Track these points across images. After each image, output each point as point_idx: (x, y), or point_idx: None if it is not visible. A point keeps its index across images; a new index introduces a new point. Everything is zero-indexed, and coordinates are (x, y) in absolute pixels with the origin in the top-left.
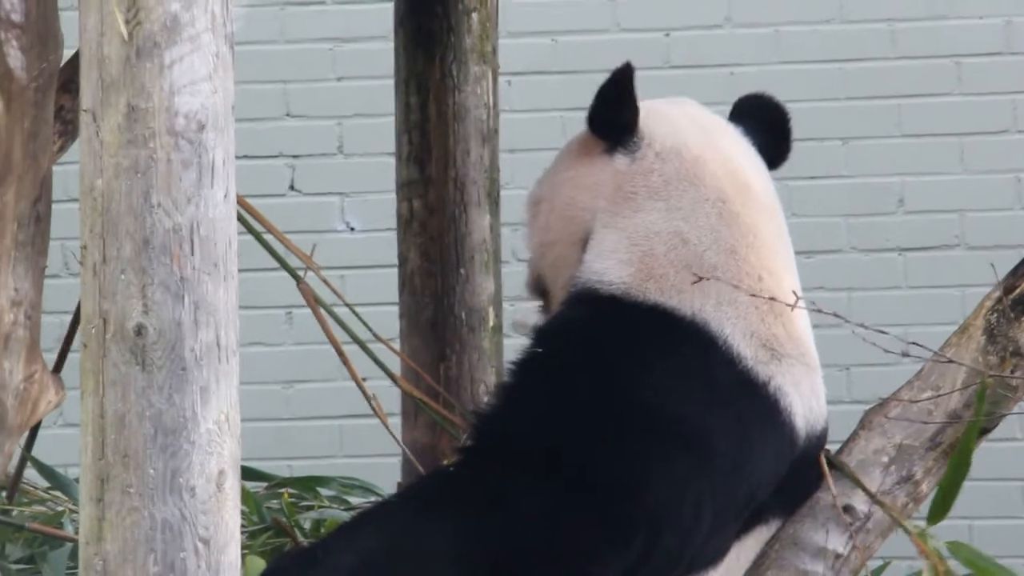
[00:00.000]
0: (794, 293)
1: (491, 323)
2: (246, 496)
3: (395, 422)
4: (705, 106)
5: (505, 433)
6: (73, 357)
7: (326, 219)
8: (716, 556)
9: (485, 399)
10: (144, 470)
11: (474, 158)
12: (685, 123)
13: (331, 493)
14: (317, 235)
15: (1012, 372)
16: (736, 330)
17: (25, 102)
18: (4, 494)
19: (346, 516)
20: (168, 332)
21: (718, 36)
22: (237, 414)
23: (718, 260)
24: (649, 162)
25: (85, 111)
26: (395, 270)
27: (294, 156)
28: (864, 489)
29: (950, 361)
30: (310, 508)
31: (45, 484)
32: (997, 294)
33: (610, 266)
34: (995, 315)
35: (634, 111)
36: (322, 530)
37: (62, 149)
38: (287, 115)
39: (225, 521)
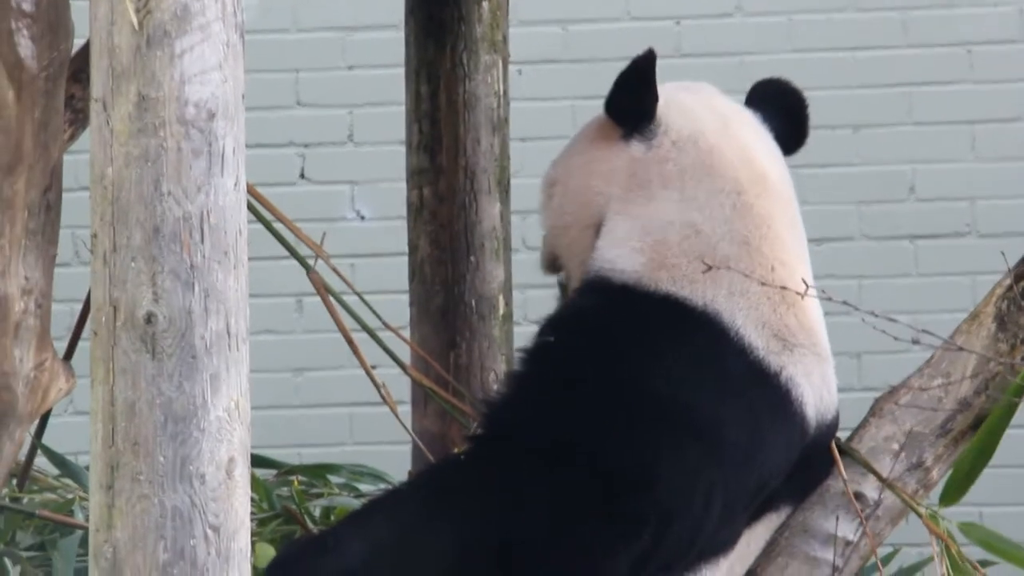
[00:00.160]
0: (804, 282)
1: (501, 311)
2: (256, 484)
3: (405, 410)
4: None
5: (515, 422)
6: (83, 345)
7: (336, 207)
8: (726, 544)
9: (495, 388)
10: (154, 458)
11: (484, 147)
12: (703, 112)
13: (341, 481)
14: (327, 223)
15: (1023, 359)
16: (748, 320)
17: (36, 91)
18: (15, 482)
19: (356, 504)
20: (178, 320)
21: (729, 24)
22: (247, 402)
23: (731, 251)
24: (665, 150)
25: (95, 100)
26: (405, 258)
27: (304, 145)
28: (875, 473)
29: (960, 349)
30: (320, 496)
31: (55, 472)
32: (1008, 281)
33: (622, 254)
34: (1006, 302)
35: (653, 98)
36: (332, 518)
37: (72, 138)
38: (297, 104)
39: (235, 508)
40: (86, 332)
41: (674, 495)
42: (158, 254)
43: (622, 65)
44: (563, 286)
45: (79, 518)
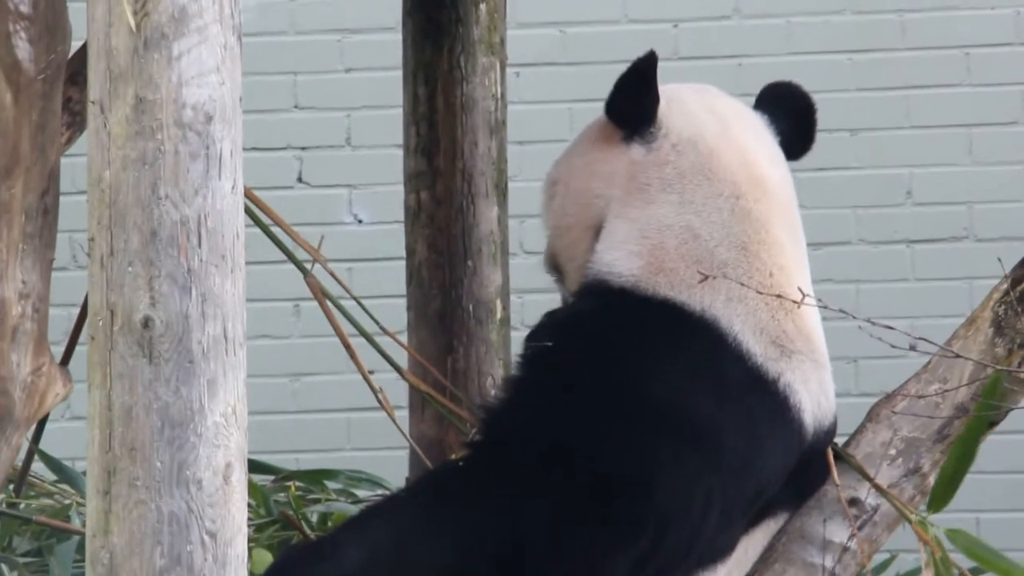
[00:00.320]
0: (800, 290)
1: (499, 315)
2: (253, 489)
3: (402, 415)
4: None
5: (513, 427)
6: (81, 350)
7: (334, 211)
8: (724, 551)
9: (493, 392)
10: (151, 463)
11: (482, 150)
12: (704, 115)
13: (338, 486)
14: (325, 227)
15: (1020, 365)
16: (746, 327)
17: (33, 94)
18: (11, 487)
19: (353, 509)
20: (175, 324)
21: (727, 27)
22: (244, 407)
23: (729, 256)
24: (664, 154)
25: (93, 103)
26: (403, 262)
27: (302, 148)
28: (868, 478)
29: (957, 355)
30: (317, 501)
31: (52, 477)
32: (1005, 286)
33: (620, 257)
34: (1003, 307)
35: (654, 101)
36: (329, 523)
37: (70, 141)
38: (295, 107)
39: (232, 514)
40: (83, 337)
41: (672, 500)
42: (155, 258)
43: (620, 67)
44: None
45: (76, 524)
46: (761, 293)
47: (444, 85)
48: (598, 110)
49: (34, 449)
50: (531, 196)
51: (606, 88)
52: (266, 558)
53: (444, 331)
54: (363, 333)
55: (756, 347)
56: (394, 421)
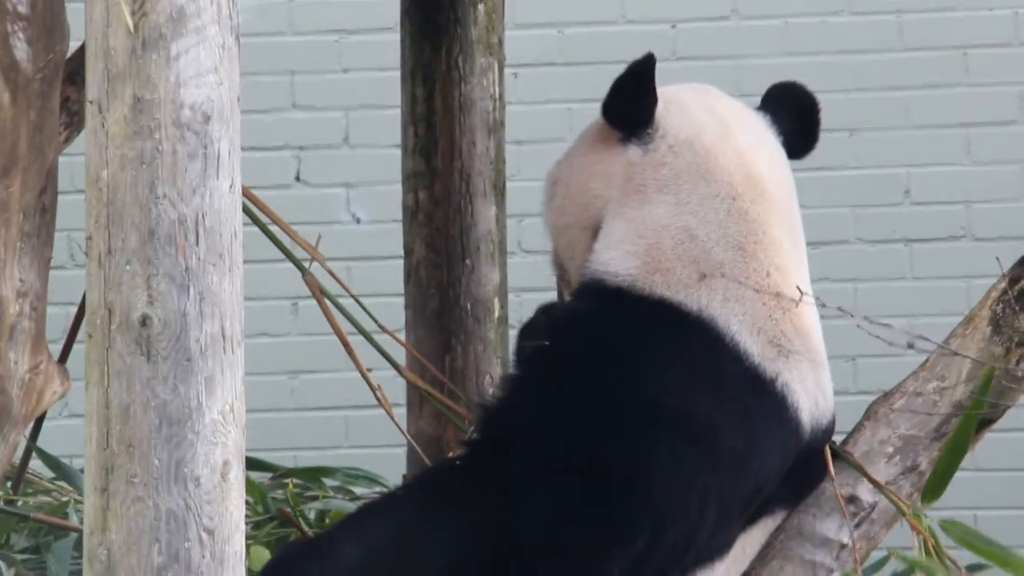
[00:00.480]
0: (799, 288)
1: (496, 314)
2: (251, 486)
3: (400, 413)
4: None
5: (510, 426)
6: (78, 348)
7: (332, 210)
8: (721, 550)
9: (491, 391)
10: (149, 460)
11: (480, 150)
12: (702, 116)
13: (336, 484)
14: (323, 226)
15: (1018, 363)
16: (743, 327)
17: (31, 93)
18: (9, 484)
19: (351, 507)
20: (173, 323)
21: (725, 28)
22: (242, 404)
23: (726, 256)
24: (661, 155)
25: (91, 102)
26: (401, 261)
27: (300, 147)
28: (866, 475)
29: (955, 353)
30: (315, 499)
31: (50, 474)
32: (1003, 285)
33: (616, 257)
34: (1001, 306)
35: (652, 103)
36: (327, 521)
37: (68, 140)
38: (293, 106)
39: (230, 511)
40: (81, 335)
41: (669, 499)
42: (153, 257)
43: (618, 68)
44: (560, 283)
45: (74, 521)
46: (759, 292)
47: (442, 85)
48: (596, 110)
49: (32, 446)
50: (529, 196)
51: (604, 88)
52: (264, 555)
53: (442, 330)
54: (361, 331)
55: (753, 347)
56: (392, 419)
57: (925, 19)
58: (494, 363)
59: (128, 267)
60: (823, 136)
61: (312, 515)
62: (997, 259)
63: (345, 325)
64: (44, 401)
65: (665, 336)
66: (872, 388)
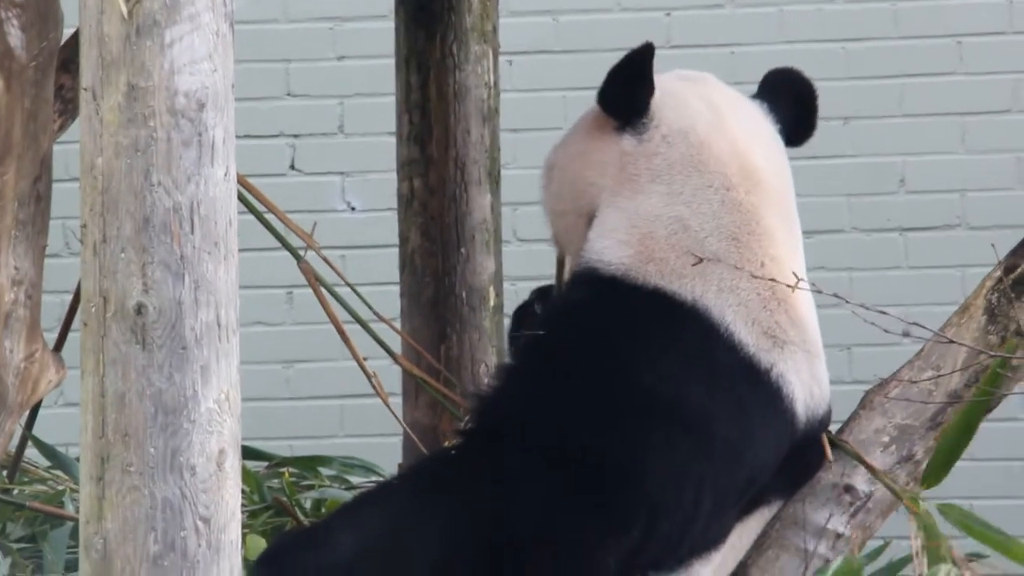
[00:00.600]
0: (795, 275)
1: (492, 303)
2: (247, 475)
3: (396, 402)
4: None
5: (505, 415)
6: (74, 336)
7: (327, 198)
8: (717, 539)
9: (486, 380)
10: (144, 449)
11: (475, 138)
12: (697, 105)
13: (332, 473)
14: (318, 214)
15: (1013, 352)
16: (738, 317)
17: (25, 81)
18: (5, 473)
19: (347, 496)
20: (168, 311)
21: (719, 15)
22: (238, 393)
23: (720, 247)
24: (655, 144)
25: (85, 90)
26: (396, 250)
27: (295, 135)
28: (863, 462)
29: (951, 341)
30: (311, 488)
31: (46, 463)
32: (998, 274)
33: (609, 245)
34: (996, 295)
35: (646, 92)
36: (323, 510)
37: (62, 128)
38: (288, 94)
39: (225, 500)
40: (76, 323)
41: (664, 489)
42: (148, 245)
43: (613, 56)
44: (560, 263)
45: (69, 510)
46: (756, 277)
47: (437, 73)
48: (591, 98)
49: (27, 435)
50: (524, 184)
51: (599, 76)
52: (260, 544)
53: (437, 318)
54: (357, 319)
55: (748, 337)
56: (388, 407)
57: (919, 7)
58: (489, 352)
59: (123, 255)
60: (817, 124)
61: (308, 504)
62: (992, 247)
63: (340, 313)
64: (39, 390)
65: (659, 326)
66: (867, 377)
